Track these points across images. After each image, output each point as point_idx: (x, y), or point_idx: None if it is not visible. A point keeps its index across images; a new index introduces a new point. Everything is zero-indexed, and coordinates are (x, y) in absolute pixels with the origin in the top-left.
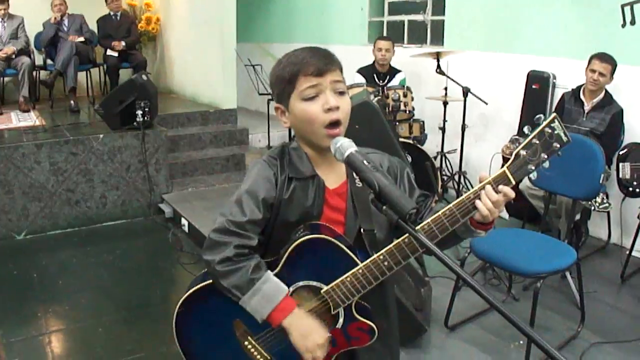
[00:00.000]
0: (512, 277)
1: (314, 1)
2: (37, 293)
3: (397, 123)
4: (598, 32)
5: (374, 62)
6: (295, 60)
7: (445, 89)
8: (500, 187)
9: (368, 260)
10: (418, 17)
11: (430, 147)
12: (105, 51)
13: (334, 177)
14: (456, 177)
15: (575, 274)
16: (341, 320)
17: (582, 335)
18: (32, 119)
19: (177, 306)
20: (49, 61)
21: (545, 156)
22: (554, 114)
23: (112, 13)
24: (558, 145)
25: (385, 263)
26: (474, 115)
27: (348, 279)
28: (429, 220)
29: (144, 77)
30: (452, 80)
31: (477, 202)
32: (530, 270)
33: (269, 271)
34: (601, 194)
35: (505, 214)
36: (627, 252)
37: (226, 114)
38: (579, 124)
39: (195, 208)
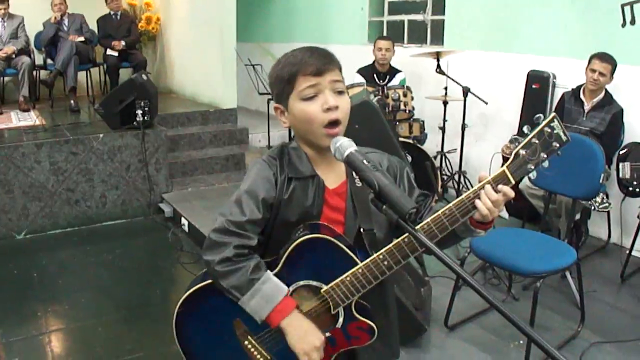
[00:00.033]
0: (512, 276)
1: (314, 1)
2: (37, 292)
3: (397, 123)
4: (598, 32)
5: (374, 62)
6: (294, 60)
7: (445, 88)
8: (500, 186)
9: (368, 260)
10: (418, 17)
11: (430, 146)
12: (105, 51)
13: (333, 177)
14: (456, 177)
15: (575, 273)
16: (341, 319)
17: (582, 334)
18: (32, 118)
19: (177, 306)
20: (49, 61)
21: (545, 156)
22: (553, 114)
23: (112, 13)
24: (557, 145)
25: (385, 262)
26: (474, 115)
27: (348, 278)
28: (428, 219)
29: (144, 76)
30: (452, 79)
31: (477, 201)
32: (530, 270)
33: (268, 271)
34: (601, 194)
35: (505, 214)
36: (627, 252)
37: (226, 114)
38: (579, 123)
39: (195, 207)
